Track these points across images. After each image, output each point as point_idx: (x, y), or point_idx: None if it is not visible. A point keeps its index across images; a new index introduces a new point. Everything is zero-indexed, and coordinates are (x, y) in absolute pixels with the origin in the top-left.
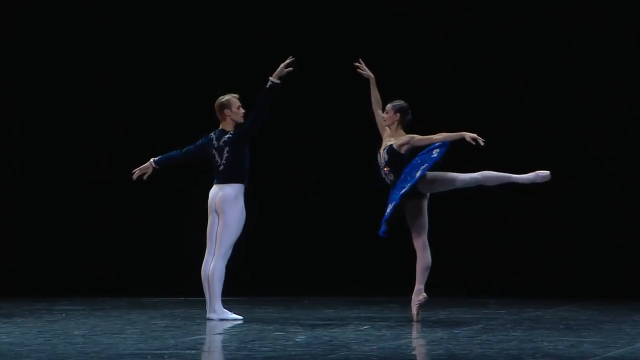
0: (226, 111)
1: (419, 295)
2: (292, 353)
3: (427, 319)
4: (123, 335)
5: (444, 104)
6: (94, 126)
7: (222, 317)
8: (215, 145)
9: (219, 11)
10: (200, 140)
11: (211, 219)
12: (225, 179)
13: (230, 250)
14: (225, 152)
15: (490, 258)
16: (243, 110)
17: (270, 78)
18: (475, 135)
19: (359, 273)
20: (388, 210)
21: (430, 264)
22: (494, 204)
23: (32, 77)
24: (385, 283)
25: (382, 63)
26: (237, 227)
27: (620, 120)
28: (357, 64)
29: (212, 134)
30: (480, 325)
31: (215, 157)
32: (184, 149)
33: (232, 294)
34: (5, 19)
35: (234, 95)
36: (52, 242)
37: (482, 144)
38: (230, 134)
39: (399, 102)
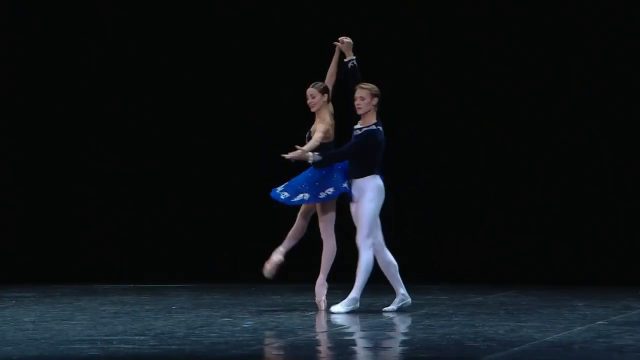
0: None
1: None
2: (240, 339)
3: (372, 305)
4: (73, 322)
5: (443, 103)
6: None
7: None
8: None
9: (222, 11)
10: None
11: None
12: None
13: None
14: None
15: (433, 245)
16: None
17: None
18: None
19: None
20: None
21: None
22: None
23: (35, 72)
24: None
25: (381, 62)
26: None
27: (617, 118)
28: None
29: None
30: (423, 311)
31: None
32: None
33: (181, 281)
34: (5, 19)
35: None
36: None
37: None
38: None
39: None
